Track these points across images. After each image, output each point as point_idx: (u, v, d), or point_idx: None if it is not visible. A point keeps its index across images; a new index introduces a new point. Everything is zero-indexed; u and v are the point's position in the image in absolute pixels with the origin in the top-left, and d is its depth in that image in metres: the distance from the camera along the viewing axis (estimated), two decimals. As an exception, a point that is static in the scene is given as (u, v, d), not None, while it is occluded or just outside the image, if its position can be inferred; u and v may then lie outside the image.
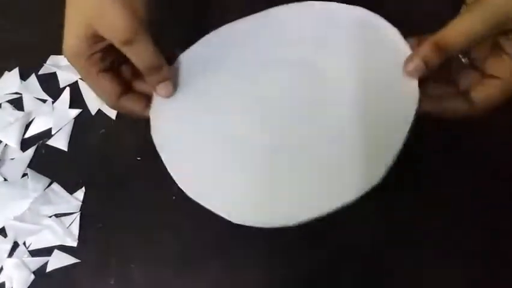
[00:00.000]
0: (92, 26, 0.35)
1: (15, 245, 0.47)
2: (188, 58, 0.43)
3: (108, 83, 0.39)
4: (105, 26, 0.35)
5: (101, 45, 0.37)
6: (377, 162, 0.35)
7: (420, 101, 0.36)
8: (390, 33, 0.40)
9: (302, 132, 0.38)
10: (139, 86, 0.42)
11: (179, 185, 0.38)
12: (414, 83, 0.36)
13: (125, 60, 0.38)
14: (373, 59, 0.39)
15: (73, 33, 0.37)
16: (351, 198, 0.34)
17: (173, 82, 0.41)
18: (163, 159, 0.40)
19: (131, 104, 0.41)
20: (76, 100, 0.53)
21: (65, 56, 0.38)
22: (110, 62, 0.39)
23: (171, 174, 0.39)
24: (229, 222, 0.45)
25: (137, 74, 0.41)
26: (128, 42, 0.36)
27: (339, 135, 0.37)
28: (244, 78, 0.42)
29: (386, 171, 0.35)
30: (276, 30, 0.43)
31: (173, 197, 0.47)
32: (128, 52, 0.36)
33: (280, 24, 0.43)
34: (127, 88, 0.41)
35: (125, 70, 0.41)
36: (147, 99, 0.41)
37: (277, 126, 0.39)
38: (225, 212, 0.37)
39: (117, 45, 0.36)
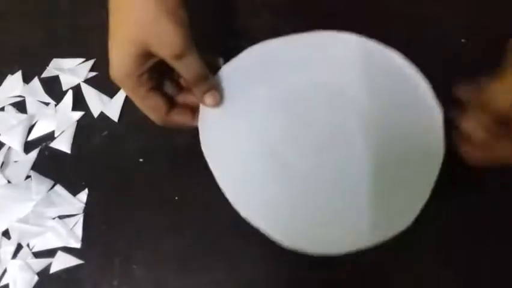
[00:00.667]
0: (146, 44, 0.36)
1: (19, 247, 0.47)
2: (229, 70, 0.44)
3: (158, 100, 0.40)
4: (160, 43, 0.36)
5: (150, 63, 0.38)
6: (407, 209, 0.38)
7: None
8: (422, 89, 0.43)
9: (340, 165, 0.41)
10: (183, 98, 0.43)
11: (230, 200, 0.40)
12: (439, 134, 0.40)
13: (168, 76, 0.41)
14: (404, 109, 0.42)
15: (123, 53, 0.37)
16: (380, 240, 0.38)
17: (219, 92, 0.42)
18: (214, 175, 0.41)
19: (180, 118, 0.42)
20: (79, 103, 0.54)
21: (113, 77, 0.39)
22: (157, 79, 0.40)
23: (222, 188, 0.41)
24: (230, 223, 0.46)
25: (180, 88, 0.43)
26: (180, 56, 0.37)
27: (375, 173, 0.41)
28: (282, 97, 0.44)
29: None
30: (319, 55, 0.45)
31: (176, 198, 0.47)
32: (179, 66, 0.38)
33: (322, 51, 0.45)
34: (173, 104, 0.42)
35: (168, 86, 0.43)
36: (193, 111, 0.42)
37: (317, 152, 0.42)
38: (278, 236, 0.39)
39: (169, 60, 0.37)
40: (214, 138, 0.42)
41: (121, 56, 0.37)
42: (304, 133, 0.43)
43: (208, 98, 0.41)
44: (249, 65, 0.44)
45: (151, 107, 0.41)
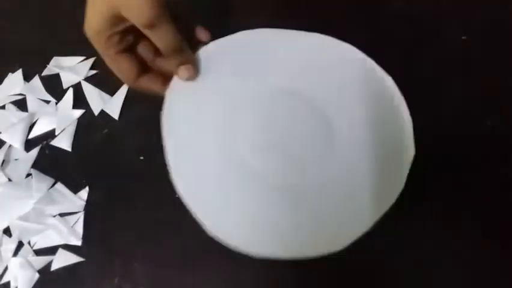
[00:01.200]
0: (117, 8, 0.37)
1: (20, 245, 0.47)
2: (214, 49, 0.43)
3: (127, 63, 0.41)
4: (130, 10, 0.37)
5: (121, 26, 0.38)
6: (385, 196, 0.39)
7: None
8: (390, 84, 0.43)
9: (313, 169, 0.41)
10: (158, 64, 0.43)
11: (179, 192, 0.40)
12: (410, 141, 0.41)
13: (143, 41, 0.41)
14: (374, 103, 0.43)
15: (96, 12, 0.38)
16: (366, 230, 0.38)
17: (196, 67, 0.42)
18: (167, 156, 0.41)
19: (150, 83, 0.42)
20: (79, 101, 0.54)
21: (86, 33, 0.39)
22: (129, 43, 0.40)
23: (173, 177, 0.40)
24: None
25: (157, 52, 0.42)
26: (151, 25, 0.37)
27: (352, 171, 0.41)
28: (253, 91, 0.43)
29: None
30: (301, 56, 0.44)
31: (176, 196, 0.47)
32: (151, 34, 0.38)
33: (306, 51, 0.45)
34: (145, 68, 0.42)
35: (142, 51, 0.42)
36: (164, 79, 0.42)
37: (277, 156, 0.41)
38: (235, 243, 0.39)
39: (140, 28, 0.37)
40: (176, 115, 0.41)
41: (93, 14, 0.38)
42: (267, 136, 0.42)
43: (182, 71, 0.41)
44: (233, 49, 0.44)
45: (121, 69, 0.41)
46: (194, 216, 0.39)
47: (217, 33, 0.45)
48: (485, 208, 0.45)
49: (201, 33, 0.43)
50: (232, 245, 0.38)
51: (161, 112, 0.41)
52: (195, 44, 0.43)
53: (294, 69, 0.44)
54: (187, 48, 0.41)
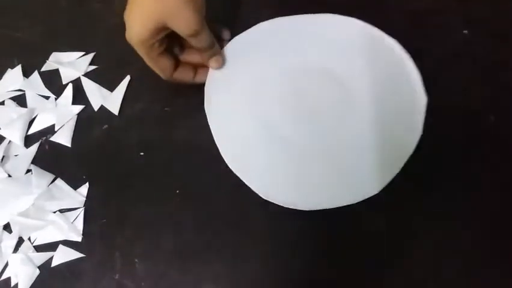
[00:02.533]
0: (163, 21, 0.42)
1: (20, 241, 0.47)
2: (237, 42, 0.51)
3: (165, 62, 0.47)
4: (178, 23, 0.43)
5: (162, 34, 0.44)
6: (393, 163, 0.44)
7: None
8: (399, 52, 0.48)
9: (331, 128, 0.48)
10: (185, 56, 0.50)
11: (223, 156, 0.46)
12: (422, 95, 0.46)
13: (176, 41, 0.48)
14: (384, 73, 0.49)
15: (143, 24, 0.43)
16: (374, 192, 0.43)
17: (223, 57, 0.50)
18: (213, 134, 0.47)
19: (183, 75, 0.49)
20: (79, 96, 0.54)
21: (129, 41, 0.44)
22: (167, 43, 0.46)
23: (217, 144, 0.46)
24: (230, 218, 0.46)
25: (183, 47, 0.50)
26: (196, 35, 0.44)
27: (362, 136, 0.47)
28: (279, 70, 0.51)
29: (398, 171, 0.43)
30: (314, 34, 0.51)
31: (177, 191, 0.47)
32: (192, 40, 0.45)
33: (325, 32, 0.51)
34: (177, 62, 0.49)
35: (176, 49, 0.49)
36: (194, 69, 0.50)
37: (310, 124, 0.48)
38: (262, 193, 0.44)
39: (185, 36, 0.44)
40: (215, 99, 0.48)
41: (140, 25, 0.43)
42: (297, 104, 0.49)
43: (213, 62, 0.49)
44: (254, 40, 0.51)
45: (161, 68, 0.47)
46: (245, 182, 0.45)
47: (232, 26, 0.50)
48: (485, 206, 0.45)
49: (224, 33, 0.51)
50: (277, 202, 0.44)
51: (203, 100, 0.48)
52: (219, 41, 0.50)
53: (314, 48, 0.51)
54: (216, 43, 0.48)
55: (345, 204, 0.43)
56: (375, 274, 0.43)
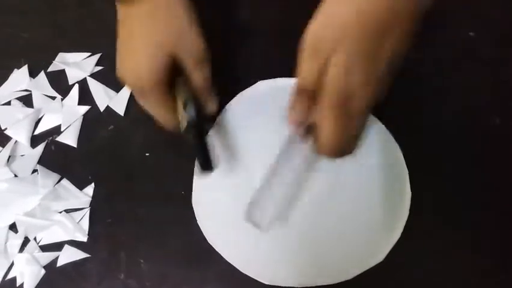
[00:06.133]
0: (175, 51, 0.40)
1: (26, 241, 0.47)
2: (233, 106, 0.50)
3: (171, 103, 0.42)
4: (190, 47, 0.40)
5: (168, 70, 0.40)
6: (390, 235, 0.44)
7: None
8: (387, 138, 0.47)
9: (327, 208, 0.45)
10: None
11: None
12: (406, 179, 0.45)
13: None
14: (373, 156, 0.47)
15: (154, 58, 0.39)
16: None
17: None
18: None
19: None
20: (85, 97, 0.54)
21: (134, 85, 0.41)
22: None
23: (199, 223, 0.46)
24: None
25: None
26: (203, 59, 0.42)
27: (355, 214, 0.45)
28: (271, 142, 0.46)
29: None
30: None
31: (182, 192, 0.47)
32: (198, 70, 0.42)
33: None
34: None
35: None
36: None
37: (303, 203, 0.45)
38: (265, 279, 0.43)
39: (191, 66, 0.41)
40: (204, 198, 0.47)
41: (150, 62, 0.39)
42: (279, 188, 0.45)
43: (212, 104, 0.45)
44: (250, 102, 0.50)
45: (172, 113, 0.42)
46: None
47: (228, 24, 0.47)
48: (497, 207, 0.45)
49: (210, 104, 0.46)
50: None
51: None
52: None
53: None
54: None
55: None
56: None
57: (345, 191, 0.45)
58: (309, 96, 0.37)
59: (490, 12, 0.54)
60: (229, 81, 0.51)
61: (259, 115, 0.49)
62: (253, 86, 0.51)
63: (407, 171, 0.46)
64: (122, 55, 0.41)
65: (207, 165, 0.40)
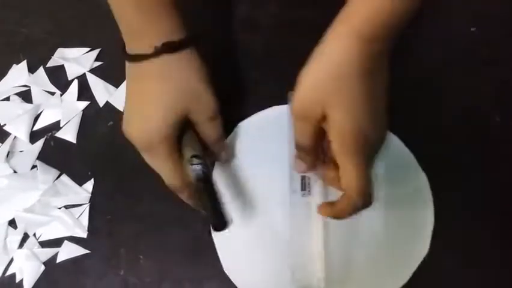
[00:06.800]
0: (187, 109, 0.40)
1: (26, 236, 0.47)
2: (243, 127, 0.49)
3: (179, 159, 0.41)
4: (200, 109, 0.41)
5: (179, 126, 0.40)
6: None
7: None
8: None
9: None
10: None
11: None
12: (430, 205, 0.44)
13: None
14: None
15: (164, 117, 0.39)
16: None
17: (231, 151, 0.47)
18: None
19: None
20: (84, 92, 0.53)
21: (141, 143, 0.40)
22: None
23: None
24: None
25: None
26: (216, 117, 0.42)
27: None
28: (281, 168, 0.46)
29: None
30: None
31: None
32: (210, 126, 0.42)
33: None
34: None
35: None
36: None
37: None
38: None
39: (203, 122, 0.41)
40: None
41: (159, 120, 0.39)
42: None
43: (226, 154, 0.46)
44: (260, 127, 0.49)
45: (179, 171, 0.40)
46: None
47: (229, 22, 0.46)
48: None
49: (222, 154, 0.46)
50: None
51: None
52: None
53: None
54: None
55: None
56: None
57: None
58: (310, 149, 0.39)
59: (491, 8, 0.53)
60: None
61: (266, 144, 0.48)
62: (258, 113, 0.49)
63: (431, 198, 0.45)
64: (130, 112, 0.41)
65: (221, 223, 0.38)
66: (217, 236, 0.45)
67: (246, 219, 0.45)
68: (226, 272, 0.44)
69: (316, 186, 0.43)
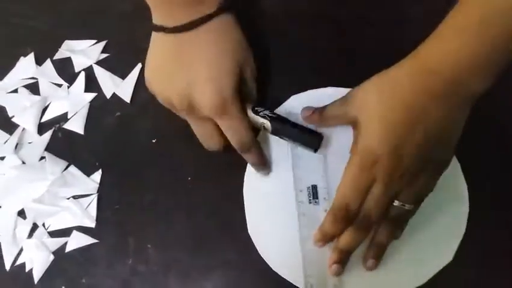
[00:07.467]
0: (243, 65, 0.42)
1: (35, 227, 0.48)
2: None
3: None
4: (251, 64, 0.44)
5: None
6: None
7: None
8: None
9: None
10: None
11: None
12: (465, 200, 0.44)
13: None
14: None
15: (233, 73, 0.41)
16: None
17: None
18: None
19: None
20: (91, 84, 0.54)
21: (222, 103, 0.41)
22: None
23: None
24: (242, 203, 0.46)
25: None
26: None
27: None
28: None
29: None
30: None
31: (189, 178, 0.47)
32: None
33: None
34: None
35: None
36: None
37: None
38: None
39: (252, 80, 0.44)
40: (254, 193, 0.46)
41: (232, 78, 0.41)
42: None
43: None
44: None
45: (247, 127, 0.43)
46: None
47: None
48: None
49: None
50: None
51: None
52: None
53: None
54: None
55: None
56: None
57: None
58: (349, 218, 0.38)
59: None
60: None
61: None
62: (284, 103, 0.48)
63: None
64: (188, 83, 0.41)
65: (317, 136, 0.43)
66: (247, 194, 0.46)
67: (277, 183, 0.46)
68: (250, 234, 0.44)
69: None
